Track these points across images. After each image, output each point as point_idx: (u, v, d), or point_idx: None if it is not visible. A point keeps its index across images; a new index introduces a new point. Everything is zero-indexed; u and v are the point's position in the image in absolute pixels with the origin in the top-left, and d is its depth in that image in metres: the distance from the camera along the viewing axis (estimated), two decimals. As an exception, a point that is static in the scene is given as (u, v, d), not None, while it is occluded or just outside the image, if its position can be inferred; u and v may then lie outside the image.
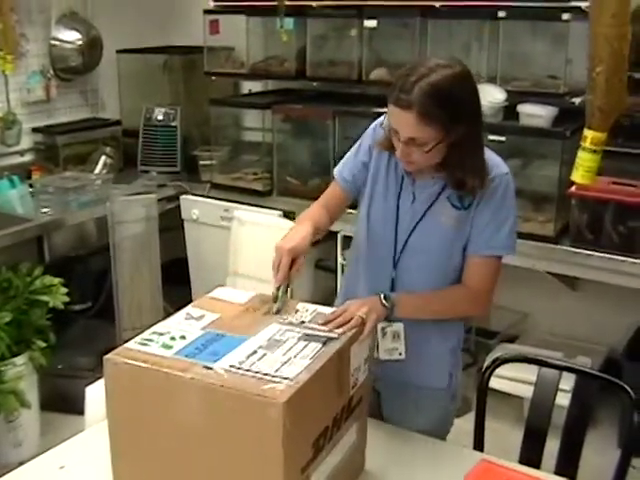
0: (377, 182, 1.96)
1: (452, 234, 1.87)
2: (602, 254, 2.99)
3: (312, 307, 1.75)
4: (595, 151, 2.40)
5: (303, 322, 1.67)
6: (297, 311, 1.73)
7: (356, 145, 2.03)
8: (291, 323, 1.66)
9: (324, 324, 1.64)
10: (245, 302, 1.77)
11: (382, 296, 1.80)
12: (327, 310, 1.74)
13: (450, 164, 1.81)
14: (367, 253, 2.00)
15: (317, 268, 3.84)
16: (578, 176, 2.48)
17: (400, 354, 1.93)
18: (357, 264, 2.05)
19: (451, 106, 1.69)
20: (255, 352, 1.52)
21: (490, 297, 1.90)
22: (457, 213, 1.85)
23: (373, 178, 1.96)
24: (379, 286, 1.90)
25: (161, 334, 1.60)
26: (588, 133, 2.40)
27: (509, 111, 3.30)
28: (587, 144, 2.40)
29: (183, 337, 1.58)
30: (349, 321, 1.65)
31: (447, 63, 1.72)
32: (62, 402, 3.37)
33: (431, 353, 1.97)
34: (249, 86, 4.48)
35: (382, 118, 1.92)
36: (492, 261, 1.87)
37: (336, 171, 2.05)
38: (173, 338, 1.58)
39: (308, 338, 1.59)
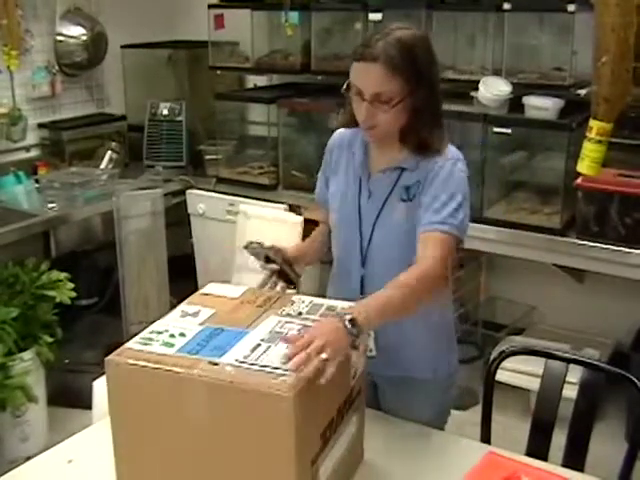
0: (338, 182, 1.99)
1: (406, 227, 1.85)
2: (608, 246, 2.98)
3: (308, 298, 1.76)
4: (600, 141, 2.39)
5: (300, 313, 1.68)
6: (293, 303, 1.73)
7: (322, 165, 2.09)
8: (289, 315, 1.67)
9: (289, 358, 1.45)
10: (238, 296, 1.77)
11: (347, 323, 1.53)
12: (322, 301, 1.74)
13: (414, 128, 1.83)
14: (339, 253, 2.02)
15: (322, 262, 3.83)
16: (584, 167, 2.48)
17: (370, 351, 1.88)
18: (334, 264, 2.07)
19: (414, 60, 1.76)
20: (259, 345, 1.51)
21: (440, 270, 1.74)
22: (406, 206, 1.85)
23: (334, 178, 2.01)
24: (350, 286, 1.92)
25: (160, 332, 1.59)
26: (594, 123, 2.39)
27: (515, 103, 3.29)
28: (593, 135, 2.39)
29: (182, 334, 1.57)
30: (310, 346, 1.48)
31: (408, 26, 1.82)
32: (69, 397, 3.38)
33: (412, 345, 1.95)
34: (254, 80, 4.46)
35: (336, 134, 2.03)
36: (437, 235, 1.78)
37: (316, 197, 2.14)
38: (173, 335, 1.57)
39: (309, 330, 1.58)
